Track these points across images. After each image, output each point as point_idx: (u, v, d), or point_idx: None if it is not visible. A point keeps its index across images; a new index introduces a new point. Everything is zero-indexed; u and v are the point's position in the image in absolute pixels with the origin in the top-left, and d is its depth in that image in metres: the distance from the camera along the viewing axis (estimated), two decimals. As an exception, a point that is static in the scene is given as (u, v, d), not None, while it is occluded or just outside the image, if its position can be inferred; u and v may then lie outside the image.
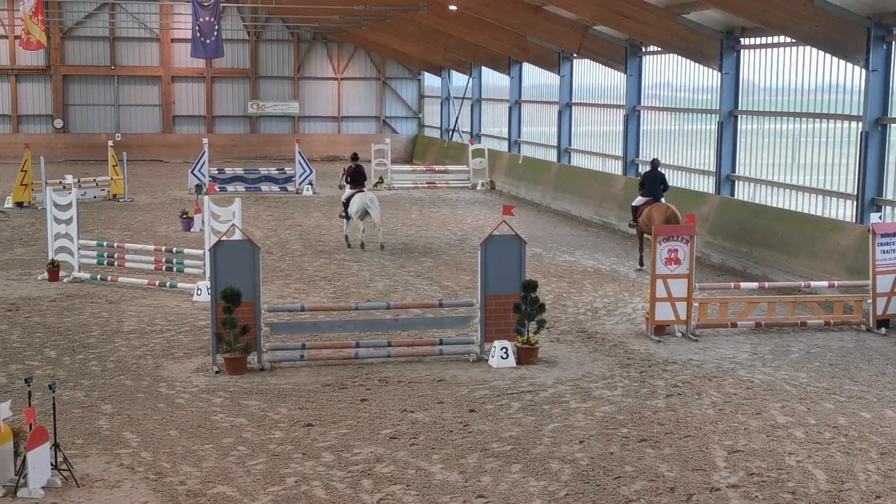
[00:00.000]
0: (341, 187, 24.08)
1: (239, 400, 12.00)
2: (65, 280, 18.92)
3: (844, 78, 19.64)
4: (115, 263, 19.19)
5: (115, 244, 19.73)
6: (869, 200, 18.43)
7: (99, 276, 18.96)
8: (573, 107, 32.59)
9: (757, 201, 22.11)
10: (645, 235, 20.56)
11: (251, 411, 11.58)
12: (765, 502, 9.12)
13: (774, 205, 21.43)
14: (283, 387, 12.54)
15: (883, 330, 15.48)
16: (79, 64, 46.72)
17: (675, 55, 25.25)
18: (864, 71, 18.31)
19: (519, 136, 37.61)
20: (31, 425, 9.12)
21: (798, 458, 10.19)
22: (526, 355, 13.56)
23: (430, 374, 13.15)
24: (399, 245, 23.53)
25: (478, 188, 36.24)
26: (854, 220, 18.65)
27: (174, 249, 19.07)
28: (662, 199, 20.45)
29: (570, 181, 30.76)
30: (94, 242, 19.82)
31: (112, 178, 31.89)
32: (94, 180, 32.16)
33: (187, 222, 25.40)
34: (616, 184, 27.57)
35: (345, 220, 23.36)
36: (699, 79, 25.20)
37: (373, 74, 49.39)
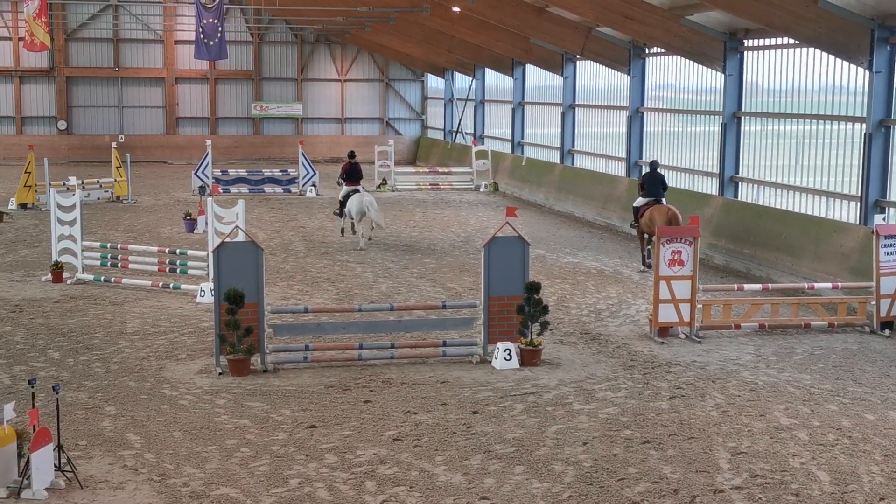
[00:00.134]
0: (339, 184, 24.52)
1: (242, 401, 12.01)
2: (68, 281, 18.94)
3: (848, 79, 19.63)
4: (119, 265, 19.20)
5: (119, 246, 19.76)
6: (872, 202, 18.41)
7: (102, 278, 18.98)
8: (576, 108, 32.59)
9: (760, 203, 22.10)
10: (646, 236, 20.60)
11: (254, 413, 11.58)
12: (768, 504, 9.13)
13: (778, 206, 21.42)
14: (286, 388, 12.54)
15: (887, 331, 15.46)
16: (82, 65, 46.79)
17: (679, 57, 25.24)
18: (867, 72, 18.30)
19: (522, 138, 37.61)
20: (34, 427, 9.12)
21: (802, 459, 10.18)
22: (529, 357, 13.56)
23: (433, 375, 13.15)
24: (402, 246, 23.54)
25: (481, 190, 36.24)
26: (858, 222, 18.63)
27: (178, 251, 19.08)
28: (663, 201, 20.50)
29: (574, 183, 30.76)
30: (98, 244, 19.84)
31: (116, 180, 31.91)
32: (98, 182, 32.19)
33: (191, 224, 25.41)
34: (619, 185, 27.56)
35: (338, 217, 24.17)
36: (702, 80, 25.20)
37: (376, 76, 49.43)
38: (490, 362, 13.62)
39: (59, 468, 9.34)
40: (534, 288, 13.64)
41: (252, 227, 24.36)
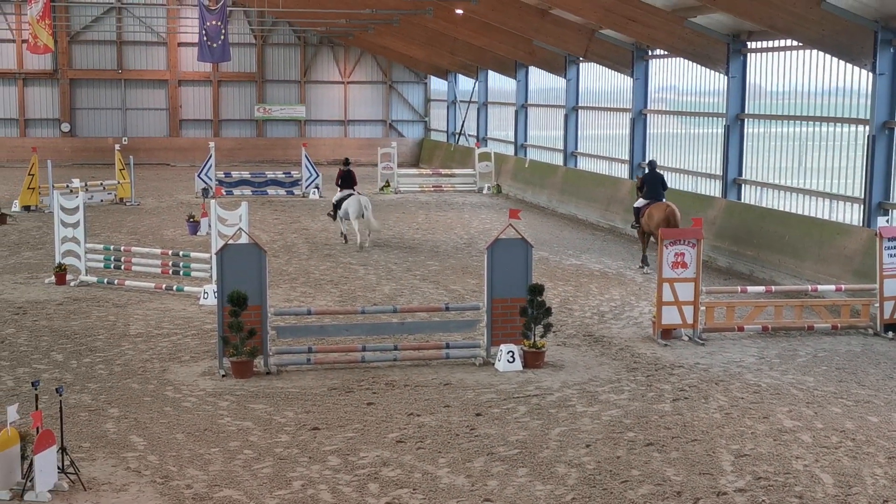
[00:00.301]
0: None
1: (245, 403, 12.01)
2: (72, 284, 18.96)
3: (851, 81, 19.62)
4: (122, 267, 19.22)
5: (122, 248, 19.77)
6: (876, 204, 18.39)
7: (106, 280, 18.99)
8: (579, 110, 32.59)
9: (764, 205, 22.08)
10: (647, 236, 20.70)
11: (258, 415, 11.59)
12: (772, 506, 9.12)
13: (781, 208, 21.40)
14: (289, 390, 12.55)
15: (890, 334, 15.43)
16: (86, 68, 46.83)
17: (682, 59, 25.24)
18: (870, 74, 18.29)
19: (525, 140, 37.61)
20: (38, 429, 9.13)
21: (805, 462, 10.17)
22: (532, 359, 13.55)
23: (436, 377, 13.14)
24: (405, 248, 23.54)
25: (484, 192, 36.24)
26: (861, 224, 18.61)
27: (181, 253, 19.10)
28: (664, 201, 20.57)
29: (577, 185, 30.76)
30: (101, 246, 19.86)
31: (119, 182, 31.94)
32: (101, 184, 32.22)
33: (194, 226, 25.42)
34: (622, 187, 27.55)
35: (331, 219, 24.90)
36: (706, 82, 25.19)
37: (379, 78, 49.45)
38: (493, 364, 13.61)
39: (62, 470, 9.35)
40: (537, 290, 13.64)
41: (255, 230, 24.37)
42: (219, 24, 32.08)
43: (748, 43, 22.72)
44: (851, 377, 13.25)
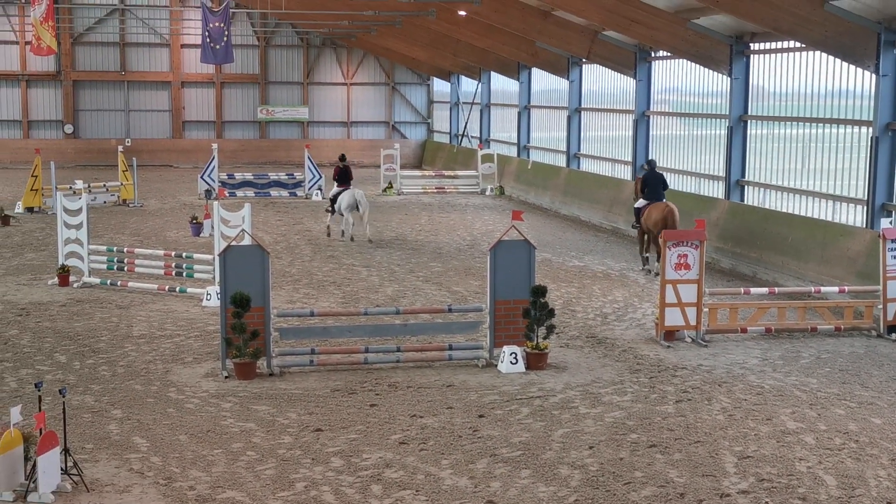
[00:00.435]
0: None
1: (248, 405, 12.01)
2: (75, 285, 18.97)
3: (854, 83, 19.60)
4: (125, 268, 19.24)
5: (125, 249, 19.79)
6: (879, 205, 18.37)
7: (109, 281, 19.00)
8: (582, 112, 32.57)
9: (767, 206, 22.06)
10: (646, 236, 20.82)
11: (260, 416, 11.59)
12: (775, 508, 9.11)
13: (784, 210, 21.38)
14: (292, 392, 12.55)
15: (893, 335, 15.41)
16: (89, 69, 46.87)
17: (685, 60, 25.22)
18: (874, 76, 18.27)
19: (528, 142, 37.60)
20: (41, 430, 9.14)
21: (808, 463, 10.16)
22: (535, 360, 13.55)
23: (439, 379, 13.14)
24: (408, 250, 23.55)
25: (487, 193, 36.24)
26: (864, 226, 18.59)
27: (184, 254, 19.10)
28: (664, 200, 20.66)
29: (580, 186, 30.75)
30: (104, 247, 19.88)
31: (122, 184, 31.98)
32: (105, 185, 32.26)
33: (197, 227, 25.44)
34: (625, 189, 27.53)
35: (329, 214, 25.48)
36: (709, 84, 25.17)
37: (382, 80, 49.46)
38: (496, 366, 13.61)
39: (65, 471, 9.35)
40: (540, 291, 13.63)
41: (258, 231, 24.39)
42: (222, 25, 32.09)
43: (751, 44, 22.70)
44: (855, 379, 13.24)
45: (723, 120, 23.88)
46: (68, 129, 46.62)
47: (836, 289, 16.41)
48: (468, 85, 44.76)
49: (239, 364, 13.02)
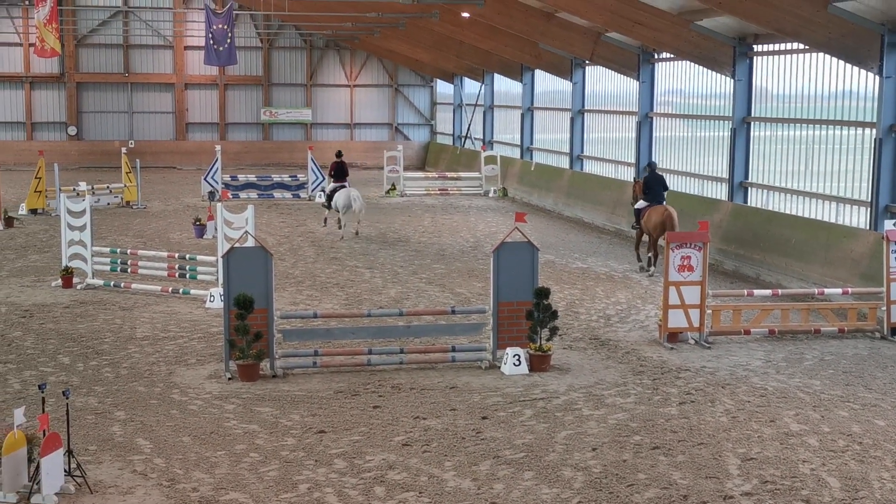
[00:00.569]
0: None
1: (251, 406, 12.02)
2: (78, 287, 18.99)
3: (858, 84, 19.59)
4: (129, 270, 19.26)
5: (129, 251, 19.80)
6: (883, 207, 18.36)
7: (112, 283, 19.02)
8: (585, 114, 32.58)
9: (770, 208, 22.05)
10: (644, 238, 21.07)
11: (264, 418, 11.59)
12: (779, 510, 9.10)
13: (788, 212, 21.37)
14: (295, 393, 12.55)
15: (897, 337, 15.41)
16: (93, 71, 46.93)
17: (688, 62, 25.22)
18: (877, 77, 18.26)
19: (531, 143, 37.60)
20: (44, 431, 9.14)
21: (812, 465, 10.15)
22: (538, 362, 13.55)
23: (442, 380, 13.14)
24: (411, 251, 23.56)
25: (490, 195, 36.24)
26: (868, 227, 18.58)
27: (187, 256, 19.12)
28: (664, 202, 20.79)
29: (583, 188, 30.74)
30: (108, 249, 19.90)
31: (125, 185, 32.00)
32: (108, 187, 32.29)
33: (200, 229, 25.46)
34: (628, 191, 27.46)
35: (327, 210, 26.54)
36: (712, 85, 25.16)
37: (385, 81, 49.48)
38: (499, 368, 13.61)
39: (68, 473, 9.36)
40: (543, 293, 13.63)
41: (261, 233, 24.40)
42: (225, 27, 32.13)
43: (754, 46, 22.70)
44: (858, 381, 13.22)
45: (726, 122, 23.87)
46: (72, 130, 46.68)
47: (839, 290, 16.40)
48: (471, 87, 44.78)
49: (242, 366, 13.03)
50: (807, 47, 20.47)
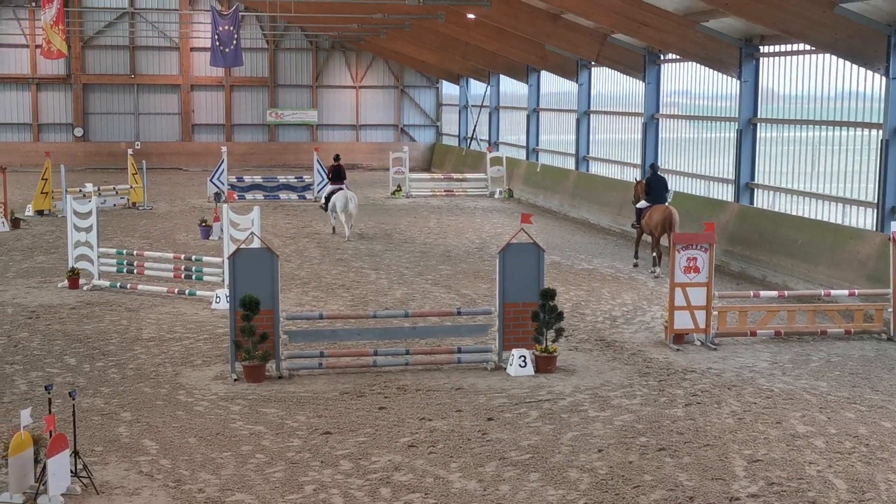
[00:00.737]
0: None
1: (257, 408, 12.02)
2: (84, 288, 19.01)
3: (864, 86, 19.56)
4: (135, 271, 19.28)
5: (135, 252, 19.83)
6: (889, 209, 18.32)
7: (118, 284, 19.04)
8: (591, 115, 32.56)
9: (776, 209, 22.02)
10: (649, 238, 21.22)
11: (270, 419, 11.60)
12: (785, 512, 9.08)
13: (794, 213, 21.35)
14: (301, 395, 12.56)
15: (904, 339, 15.37)
16: (99, 73, 47.01)
17: (694, 63, 25.20)
18: (884, 78, 18.22)
19: (537, 144, 37.60)
20: (51, 432, 9.16)
21: (818, 467, 10.13)
22: (544, 364, 13.54)
23: (448, 382, 13.14)
24: (417, 253, 23.56)
25: (496, 196, 36.24)
26: (874, 229, 18.55)
27: (193, 257, 19.14)
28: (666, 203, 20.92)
29: (589, 189, 30.73)
30: (114, 250, 19.92)
31: (131, 187, 32.05)
32: (114, 188, 32.34)
33: (206, 230, 25.49)
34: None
35: (325, 211, 27.10)
36: (718, 86, 25.14)
37: (391, 83, 49.49)
38: (505, 369, 13.60)
39: (75, 474, 9.38)
40: (549, 294, 13.62)
41: (267, 234, 24.42)
42: (231, 29, 32.15)
43: (761, 47, 22.68)
44: (865, 382, 13.20)
45: (732, 123, 23.84)
46: (78, 132, 46.75)
47: (846, 292, 16.37)
48: (477, 88, 44.78)
49: (248, 367, 13.04)
50: (813, 48, 20.44)
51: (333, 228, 26.55)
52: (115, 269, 19.38)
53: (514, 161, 37.74)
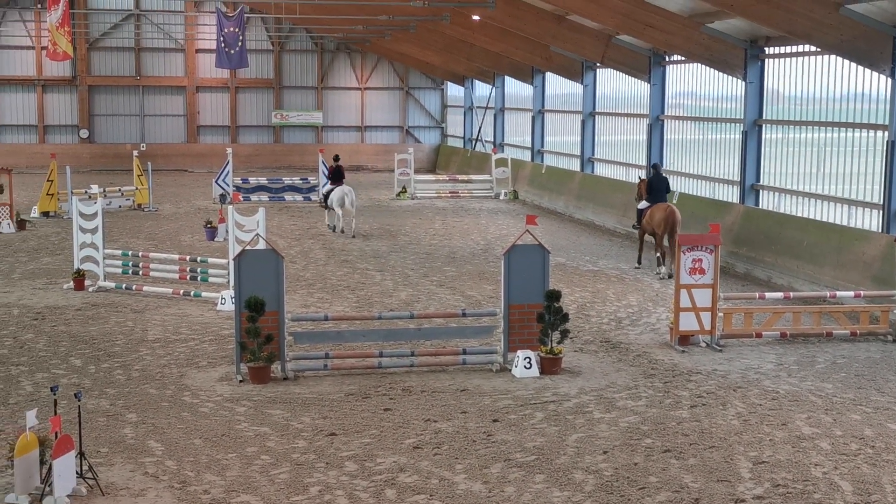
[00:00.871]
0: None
1: (262, 409, 12.03)
2: (90, 289, 19.04)
3: (870, 87, 19.53)
4: (140, 273, 19.31)
5: (140, 253, 19.84)
6: (895, 210, 18.29)
7: (124, 286, 19.06)
8: (596, 116, 32.55)
9: (782, 211, 22.00)
10: (650, 238, 21.31)
11: (275, 420, 11.61)
12: (790, 514, 9.07)
13: (799, 214, 21.32)
14: (306, 396, 12.56)
15: (910, 340, 15.35)
16: (104, 74, 47.08)
17: (699, 64, 25.18)
18: (889, 80, 18.20)
19: (542, 146, 37.58)
20: (56, 434, 9.17)
21: (824, 469, 10.11)
22: (549, 365, 13.53)
23: (453, 383, 13.14)
24: (422, 254, 23.57)
25: (501, 198, 36.23)
26: (880, 230, 18.52)
27: (198, 259, 19.15)
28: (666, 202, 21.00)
29: (594, 190, 30.71)
30: (119, 252, 19.95)
31: (137, 188, 32.10)
32: (120, 190, 32.39)
33: (211, 232, 25.52)
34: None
35: (325, 210, 27.74)
36: (723, 88, 25.12)
37: (396, 84, 49.51)
38: (510, 370, 13.60)
39: (80, 475, 9.39)
40: (554, 296, 13.62)
41: (272, 235, 24.44)
42: (236, 30, 32.20)
43: (766, 48, 22.66)
44: (870, 384, 13.18)
45: (737, 124, 23.82)
46: (84, 133, 46.83)
47: (851, 293, 16.35)
48: (482, 89, 44.79)
49: (253, 368, 13.05)
50: (818, 49, 20.42)
51: (333, 227, 26.94)
52: (120, 270, 19.41)
53: (519, 162, 37.74)
